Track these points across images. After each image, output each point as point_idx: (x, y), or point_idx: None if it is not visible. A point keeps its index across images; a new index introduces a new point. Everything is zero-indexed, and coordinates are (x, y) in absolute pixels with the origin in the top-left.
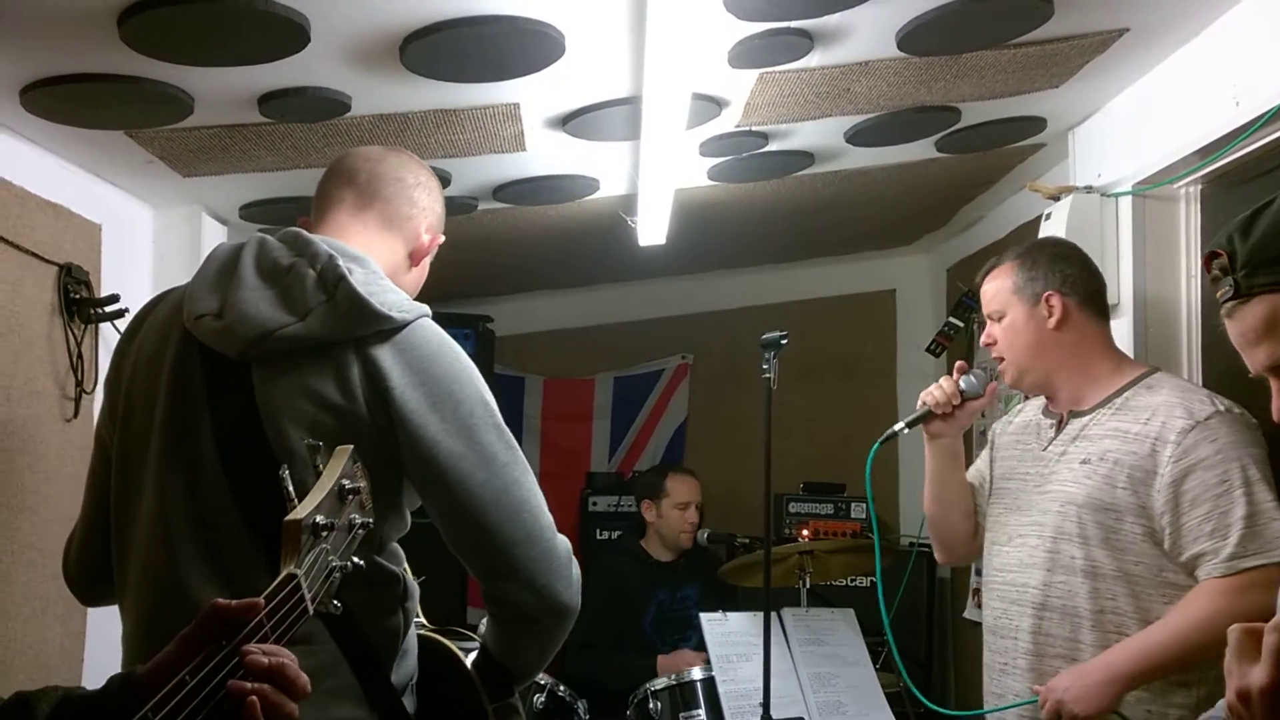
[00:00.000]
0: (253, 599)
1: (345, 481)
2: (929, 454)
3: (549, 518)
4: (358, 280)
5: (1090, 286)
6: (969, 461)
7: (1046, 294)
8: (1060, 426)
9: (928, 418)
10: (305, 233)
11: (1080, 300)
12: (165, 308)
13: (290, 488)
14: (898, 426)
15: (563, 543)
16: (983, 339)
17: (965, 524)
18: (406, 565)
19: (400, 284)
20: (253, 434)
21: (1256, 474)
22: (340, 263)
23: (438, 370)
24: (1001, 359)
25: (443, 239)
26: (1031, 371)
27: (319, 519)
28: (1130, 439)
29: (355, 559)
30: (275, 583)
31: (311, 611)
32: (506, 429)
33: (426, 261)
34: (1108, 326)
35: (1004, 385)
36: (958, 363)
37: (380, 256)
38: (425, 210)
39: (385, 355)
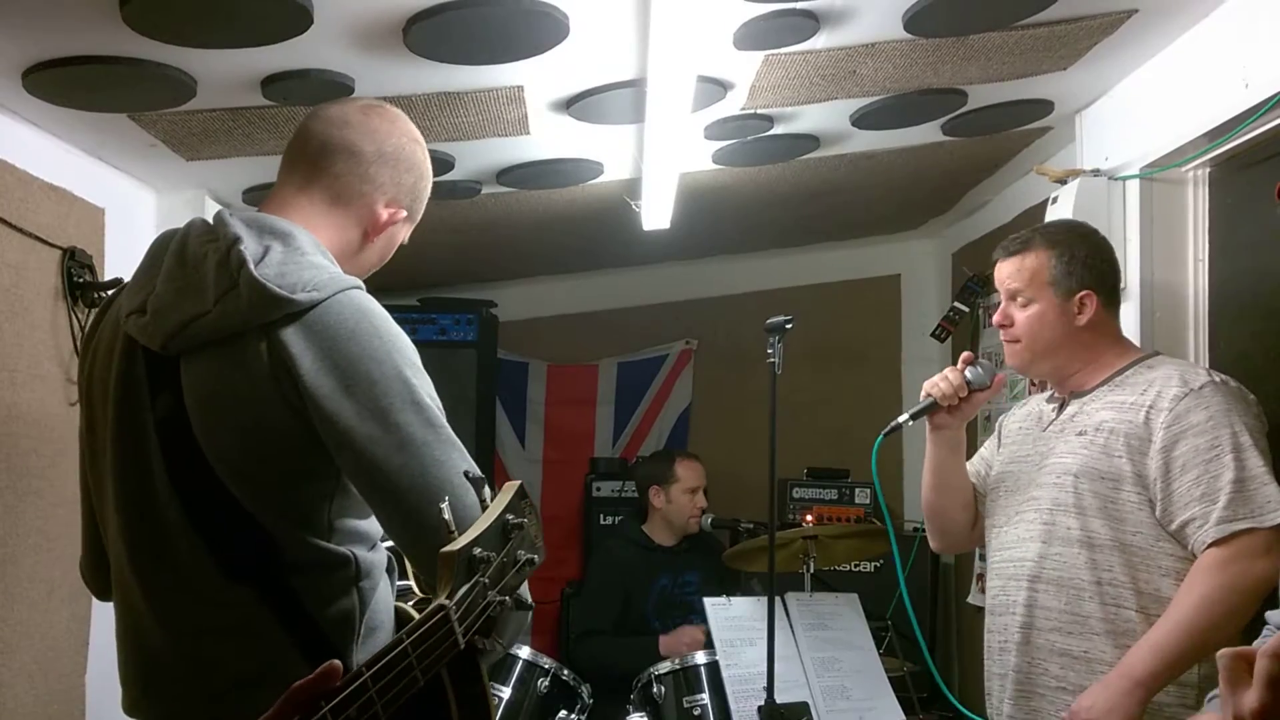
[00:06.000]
0: (330, 662)
1: (510, 516)
2: (930, 444)
3: (473, 496)
4: (271, 261)
5: (1116, 279)
6: (972, 448)
7: (1083, 294)
8: (1061, 408)
9: (933, 409)
10: (226, 214)
11: (1106, 298)
12: (119, 301)
13: (450, 518)
14: (901, 419)
15: None
16: (996, 317)
17: (963, 515)
18: (379, 543)
19: (353, 260)
20: (185, 430)
21: (1248, 441)
22: (244, 246)
23: (352, 349)
24: (1016, 340)
25: (406, 213)
26: (1046, 361)
27: (477, 551)
28: (1126, 408)
29: (524, 595)
30: (424, 614)
31: (462, 645)
32: (430, 405)
33: (392, 234)
34: (1119, 314)
35: (1009, 369)
36: (964, 353)
37: (325, 235)
38: (383, 186)
39: (294, 339)
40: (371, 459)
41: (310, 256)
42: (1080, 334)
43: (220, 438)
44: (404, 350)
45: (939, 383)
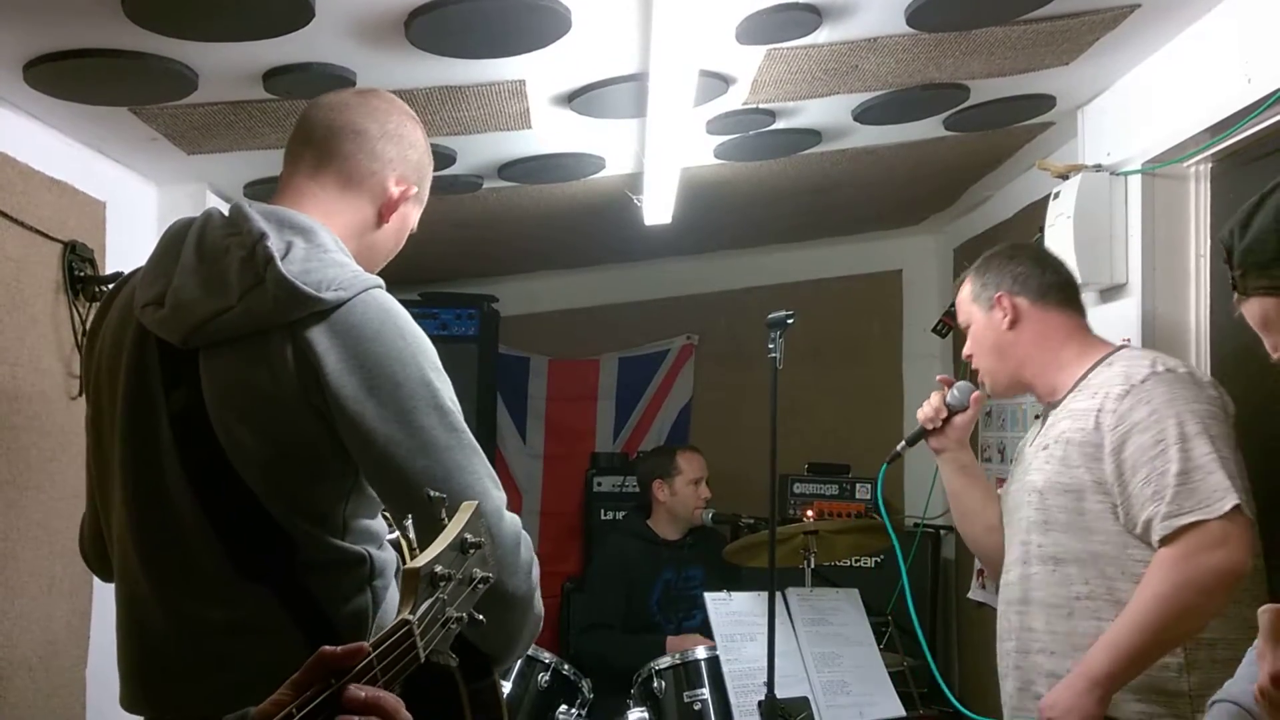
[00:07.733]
0: (358, 644)
1: (468, 535)
2: (941, 471)
3: (495, 501)
4: (295, 258)
5: (1045, 280)
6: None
7: (997, 295)
8: (1044, 423)
9: (924, 434)
10: (246, 207)
11: (1034, 297)
12: (129, 290)
13: (412, 535)
14: (899, 446)
15: (510, 529)
16: (964, 352)
17: (990, 537)
18: (385, 542)
19: (372, 244)
20: (203, 425)
21: (1195, 429)
22: (270, 243)
23: (377, 350)
24: (975, 365)
25: (416, 189)
26: (1000, 373)
27: (438, 569)
28: (1079, 415)
29: (475, 613)
30: (389, 628)
31: (423, 659)
32: (453, 409)
33: (405, 212)
34: (1074, 314)
35: (986, 388)
36: (940, 376)
37: (342, 219)
38: (392, 162)
39: (320, 339)
40: (394, 461)
41: (333, 254)
42: (1015, 339)
43: (240, 434)
44: (427, 352)
45: (923, 408)
